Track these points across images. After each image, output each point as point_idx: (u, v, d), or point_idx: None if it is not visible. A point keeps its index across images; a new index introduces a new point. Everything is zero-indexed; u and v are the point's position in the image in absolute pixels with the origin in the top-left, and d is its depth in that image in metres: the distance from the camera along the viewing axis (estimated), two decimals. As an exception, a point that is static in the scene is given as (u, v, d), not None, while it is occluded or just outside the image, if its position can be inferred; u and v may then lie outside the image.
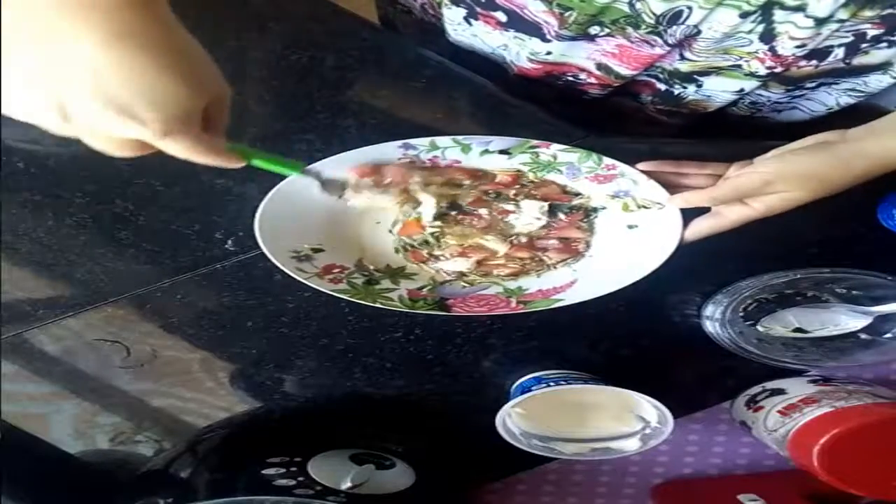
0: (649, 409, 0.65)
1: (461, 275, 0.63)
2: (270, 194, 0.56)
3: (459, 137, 0.58)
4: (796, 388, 0.70)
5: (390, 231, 0.62)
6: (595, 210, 0.62)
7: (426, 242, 0.62)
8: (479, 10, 0.61)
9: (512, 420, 0.67)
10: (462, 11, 0.63)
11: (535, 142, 0.58)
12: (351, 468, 0.66)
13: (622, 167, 0.58)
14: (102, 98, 0.35)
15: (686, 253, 0.58)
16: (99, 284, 0.65)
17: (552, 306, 0.61)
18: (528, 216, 0.61)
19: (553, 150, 0.58)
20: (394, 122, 0.60)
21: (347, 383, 0.72)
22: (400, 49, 0.61)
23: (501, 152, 0.59)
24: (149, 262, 0.64)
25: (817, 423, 0.63)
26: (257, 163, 0.48)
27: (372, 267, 0.62)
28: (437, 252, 0.62)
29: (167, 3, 0.36)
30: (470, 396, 0.73)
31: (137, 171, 0.61)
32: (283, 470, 0.64)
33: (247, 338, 0.68)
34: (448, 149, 0.58)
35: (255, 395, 0.73)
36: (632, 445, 0.66)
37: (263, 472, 0.64)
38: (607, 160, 0.58)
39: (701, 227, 0.57)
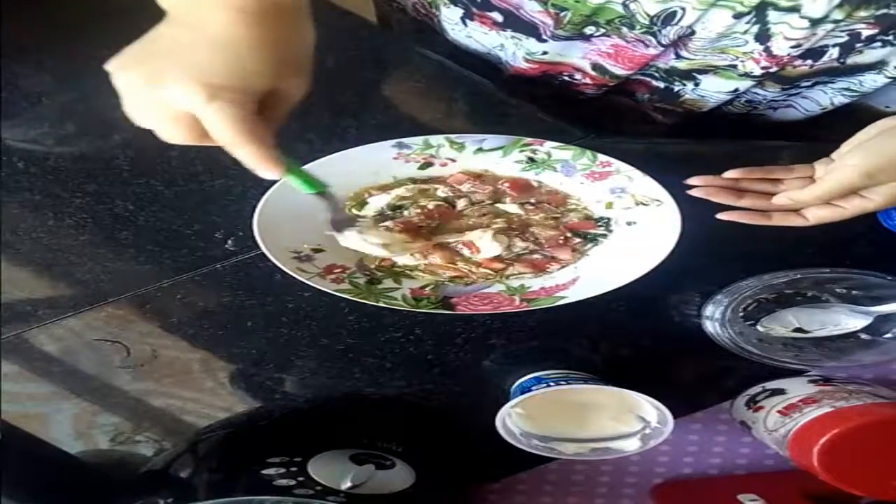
0: (649, 409, 0.65)
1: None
2: (267, 195, 0.56)
3: (453, 136, 0.58)
4: (796, 388, 0.70)
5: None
6: (595, 239, 0.62)
7: None
8: (475, 10, 0.61)
9: (512, 420, 0.67)
10: (459, 11, 0.63)
11: (528, 140, 0.58)
12: (351, 468, 0.66)
13: (617, 164, 0.58)
14: (175, 62, 0.38)
15: (686, 253, 0.58)
16: (99, 284, 0.65)
17: (556, 304, 0.61)
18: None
19: (547, 148, 0.58)
20: (393, 122, 0.60)
21: (347, 383, 0.72)
22: (399, 49, 0.61)
23: (495, 151, 0.59)
24: (149, 262, 0.64)
25: (817, 423, 0.63)
26: (289, 177, 0.48)
27: (373, 266, 0.62)
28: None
29: None
30: (470, 396, 0.73)
31: (137, 171, 0.61)
32: (283, 470, 0.64)
33: (247, 338, 0.68)
34: (441, 147, 0.58)
35: (255, 395, 0.73)
36: (632, 445, 0.66)
37: (263, 472, 0.64)
38: (602, 157, 0.58)
39: (820, 215, 0.55)
